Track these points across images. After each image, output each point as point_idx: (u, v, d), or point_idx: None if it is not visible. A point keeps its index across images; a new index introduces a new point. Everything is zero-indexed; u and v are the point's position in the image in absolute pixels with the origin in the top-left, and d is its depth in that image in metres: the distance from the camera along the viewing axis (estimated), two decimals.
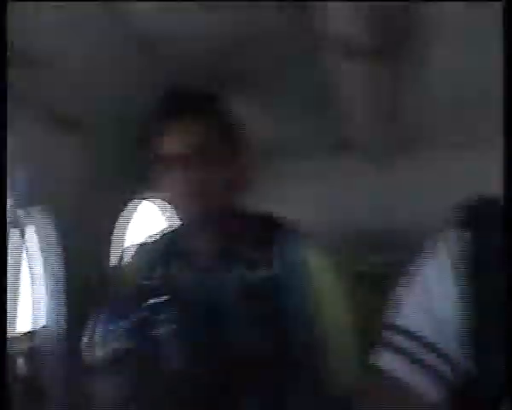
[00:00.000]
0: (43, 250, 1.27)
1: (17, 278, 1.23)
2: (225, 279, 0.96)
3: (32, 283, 1.30)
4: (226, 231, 1.00)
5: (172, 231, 1.09)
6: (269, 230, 1.01)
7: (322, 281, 0.96)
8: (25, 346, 1.24)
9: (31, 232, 1.26)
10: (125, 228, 1.64)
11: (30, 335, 1.27)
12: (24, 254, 1.25)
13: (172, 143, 0.96)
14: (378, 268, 1.72)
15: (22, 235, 1.23)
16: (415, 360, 0.57)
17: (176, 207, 0.99)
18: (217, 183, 0.97)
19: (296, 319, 0.94)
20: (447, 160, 1.72)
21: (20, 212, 1.20)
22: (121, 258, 1.13)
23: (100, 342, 0.84)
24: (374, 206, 1.79)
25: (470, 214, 0.63)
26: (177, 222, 1.09)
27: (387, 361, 0.59)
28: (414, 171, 1.77)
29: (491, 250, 0.56)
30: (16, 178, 1.10)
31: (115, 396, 0.84)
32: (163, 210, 1.92)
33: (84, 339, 0.87)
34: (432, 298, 0.59)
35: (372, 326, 0.67)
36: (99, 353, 0.83)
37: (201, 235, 1.00)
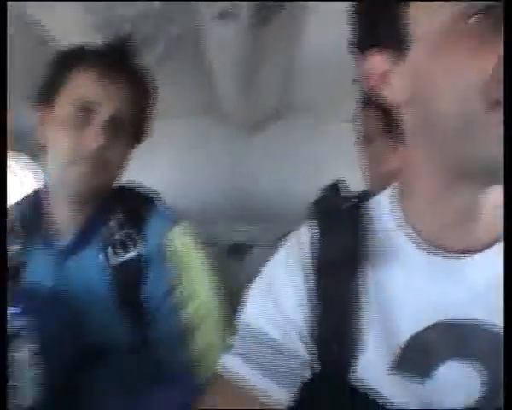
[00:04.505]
0: None
1: None
2: (86, 261, 0.87)
3: None
4: (95, 206, 0.89)
5: (28, 201, 0.95)
6: (134, 205, 0.91)
7: (189, 264, 0.89)
8: None
9: None
10: None
11: None
12: None
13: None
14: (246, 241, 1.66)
15: None
16: (260, 362, 0.56)
17: (63, 174, 0.84)
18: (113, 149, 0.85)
19: (161, 304, 0.87)
20: (322, 133, 1.69)
21: None
22: None
23: None
24: (241, 175, 1.73)
25: (317, 207, 0.63)
26: (31, 190, 0.96)
27: (233, 365, 0.58)
28: (284, 140, 1.72)
29: (335, 245, 0.57)
30: None
31: None
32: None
33: None
34: (278, 294, 0.58)
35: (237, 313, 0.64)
36: None
37: (69, 208, 0.88)
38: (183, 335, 0.87)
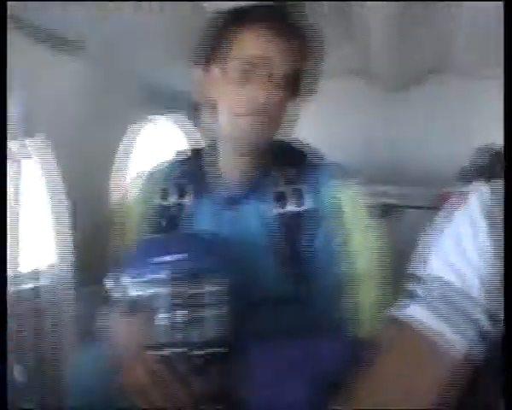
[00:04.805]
0: (44, 184, 1.18)
1: (16, 213, 1.14)
2: (252, 212, 0.90)
3: (35, 218, 1.22)
4: (260, 159, 0.91)
5: (189, 155, 0.99)
6: (299, 160, 0.92)
7: (356, 220, 0.89)
8: (30, 285, 1.18)
9: (30, 165, 1.16)
10: (129, 155, 1.52)
11: (35, 273, 1.21)
12: (23, 189, 1.15)
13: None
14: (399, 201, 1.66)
15: (19, 168, 1.12)
16: (444, 311, 0.57)
17: (234, 126, 0.86)
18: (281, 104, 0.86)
19: (323, 258, 0.88)
20: (474, 93, 1.64)
21: (15, 144, 1.09)
22: (130, 188, 1.03)
23: (128, 285, 0.75)
24: (388, 136, 1.72)
25: (496, 162, 0.64)
26: (196, 144, 1.01)
27: (416, 313, 0.58)
28: (435, 101, 1.70)
29: None
30: (13, 107, 0.97)
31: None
32: (184, 130, 1.78)
33: (109, 280, 0.78)
34: (463, 247, 0.58)
35: (400, 271, 0.65)
36: (131, 293, 0.74)
37: (235, 161, 0.91)
38: (344, 290, 0.88)
